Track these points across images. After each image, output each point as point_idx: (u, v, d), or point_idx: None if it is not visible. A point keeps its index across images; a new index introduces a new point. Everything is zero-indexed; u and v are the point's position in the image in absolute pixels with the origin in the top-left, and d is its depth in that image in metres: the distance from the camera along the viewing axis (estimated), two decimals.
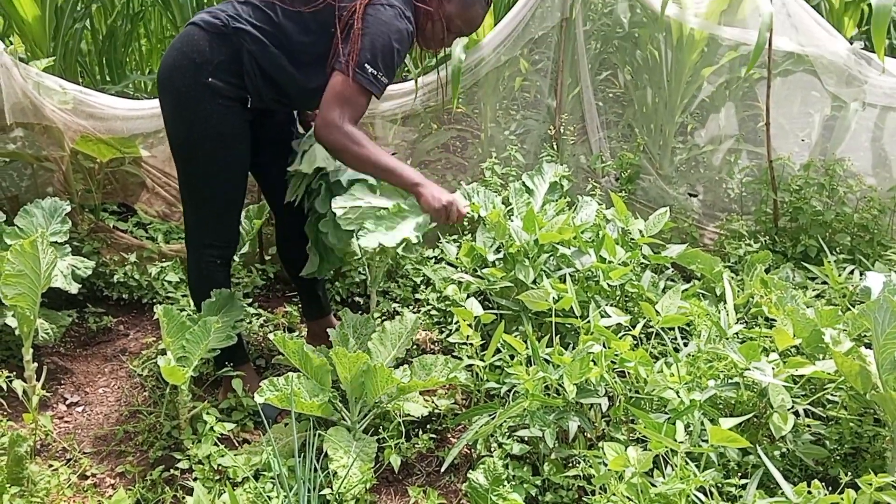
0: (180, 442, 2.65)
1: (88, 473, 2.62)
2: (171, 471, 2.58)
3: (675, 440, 2.10)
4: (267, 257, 3.76)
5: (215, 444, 2.58)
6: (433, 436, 2.71)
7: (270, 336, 2.58)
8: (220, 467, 2.51)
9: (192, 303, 3.40)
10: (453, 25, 2.65)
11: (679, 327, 2.95)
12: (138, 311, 3.60)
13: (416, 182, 2.59)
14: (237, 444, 2.65)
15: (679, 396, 2.41)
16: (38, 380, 2.67)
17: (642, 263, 3.30)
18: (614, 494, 2.04)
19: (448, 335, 3.08)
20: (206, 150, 2.61)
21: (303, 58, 2.55)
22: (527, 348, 2.56)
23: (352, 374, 2.42)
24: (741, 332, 2.81)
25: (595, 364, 2.44)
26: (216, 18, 2.53)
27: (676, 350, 2.80)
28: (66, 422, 2.91)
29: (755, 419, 2.52)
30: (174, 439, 2.69)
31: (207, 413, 2.63)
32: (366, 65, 2.44)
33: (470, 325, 2.76)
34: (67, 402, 3.01)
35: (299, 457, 2.36)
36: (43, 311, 3.11)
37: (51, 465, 2.58)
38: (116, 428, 2.81)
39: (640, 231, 3.31)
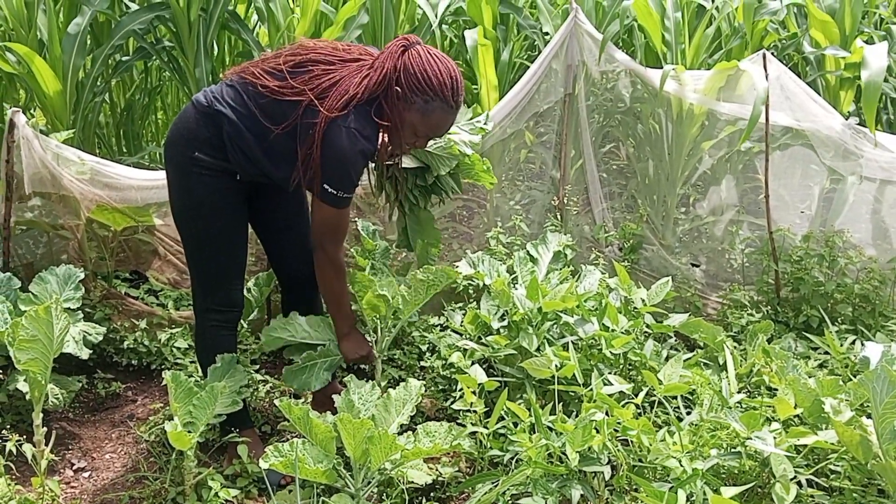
0: None
1: None
2: None
3: None
4: None
5: None
6: (436, 503, 2.71)
7: (276, 402, 2.61)
8: None
9: (199, 369, 3.46)
10: (419, 131, 2.70)
11: (682, 396, 2.97)
12: (147, 377, 3.63)
13: (349, 328, 2.97)
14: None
15: (682, 465, 2.43)
16: (46, 444, 2.71)
17: (645, 332, 3.34)
18: None
19: (452, 402, 3.10)
20: (198, 219, 2.78)
21: (273, 147, 2.68)
22: (530, 416, 2.58)
23: (356, 441, 2.45)
24: (743, 402, 2.83)
25: (598, 432, 2.46)
26: (204, 97, 2.71)
27: (679, 419, 2.81)
28: (72, 487, 2.92)
29: (758, 489, 2.53)
30: None
31: (212, 479, 2.64)
32: (326, 186, 2.62)
33: (474, 392, 2.79)
34: (74, 468, 3.03)
35: None
36: (54, 376, 3.15)
37: None
38: (122, 494, 2.83)
39: (643, 300, 3.35)
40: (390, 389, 2.79)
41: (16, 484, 2.67)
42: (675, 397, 2.95)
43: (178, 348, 3.55)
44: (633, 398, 2.74)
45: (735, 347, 3.39)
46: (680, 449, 2.50)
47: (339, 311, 2.91)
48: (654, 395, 2.81)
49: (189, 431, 2.62)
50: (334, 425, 2.49)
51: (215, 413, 2.71)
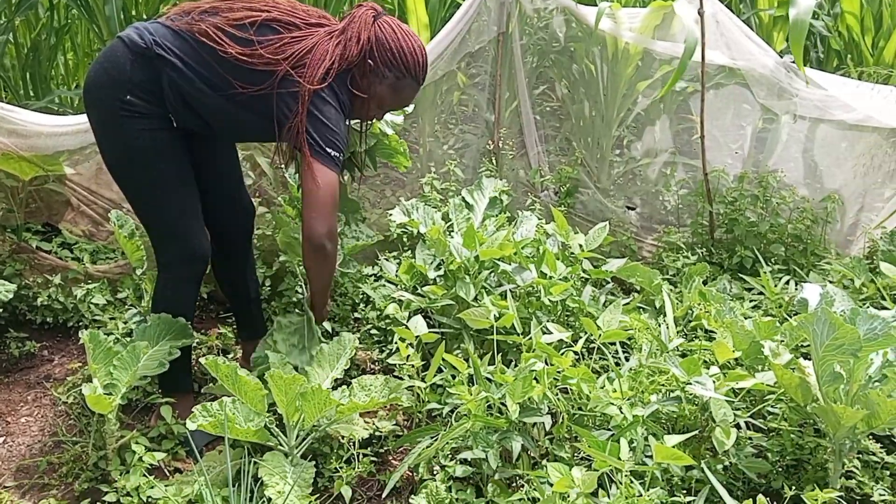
0: (108, 473, 2.53)
1: None
2: None
3: (619, 458, 2.08)
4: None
5: (145, 474, 2.46)
6: (374, 459, 2.64)
7: (202, 360, 2.47)
8: (149, 499, 2.40)
9: (119, 326, 3.28)
10: (385, 105, 2.64)
11: (621, 342, 2.94)
12: (63, 335, 3.44)
13: (321, 307, 2.80)
14: (168, 474, 2.54)
15: (622, 412, 2.40)
16: None
17: (583, 278, 3.29)
18: None
19: (389, 355, 3.01)
20: (136, 169, 2.55)
21: (230, 101, 2.49)
22: (468, 367, 2.51)
23: (288, 398, 2.34)
24: (682, 346, 2.81)
25: (537, 382, 2.41)
26: (141, 38, 2.45)
27: (618, 365, 2.79)
28: None
29: (698, 433, 2.52)
30: (101, 470, 2.56)
31: (136, 442, 2.51)
32: (329, 150, 2.46)
33: (411, 345, 2.70)
34: None
35: (234, 485, 2.26)
36: None
37: None
38: (40, 459, 2.67)
39: (581, 246, 3.30)
40: (323, 344, 2.68)
41: None
42: (615, 343, 2.92)
43: (96, 305, 3.36)
44: (572, 346, 2.69)
45: (671, 290, 3.37)
46: (620, 396, 2.46)
47: (325, 290, 2.75)
48: (594, 342, 2.77)
49: (109, 394, 2.48)
50: (264, 382, 2.38)
51: (139, 375, 2.56)
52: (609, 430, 2.42)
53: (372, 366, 3.12)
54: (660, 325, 2.89)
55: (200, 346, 3.28)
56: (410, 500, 2.13)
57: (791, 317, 3.02)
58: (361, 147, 2.94)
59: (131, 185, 2.63)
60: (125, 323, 3.19)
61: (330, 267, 2.60)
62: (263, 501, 2.26)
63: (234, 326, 3.25)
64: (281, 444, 2.48)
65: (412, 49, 2.54)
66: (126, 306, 3.38)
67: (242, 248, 2.94)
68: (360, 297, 3.44)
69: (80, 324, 3.37)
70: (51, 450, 2.75)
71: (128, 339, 2.72)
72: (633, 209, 4.13)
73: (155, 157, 2.53)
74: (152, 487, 2.35)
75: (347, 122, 2.59)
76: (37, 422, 2.92)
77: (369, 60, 2.52)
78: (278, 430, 2.50)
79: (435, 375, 2.63)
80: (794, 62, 3.60)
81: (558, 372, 2.50)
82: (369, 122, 2.90)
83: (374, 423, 2.67)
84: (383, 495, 2.45)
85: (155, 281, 2.77)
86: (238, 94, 2.46)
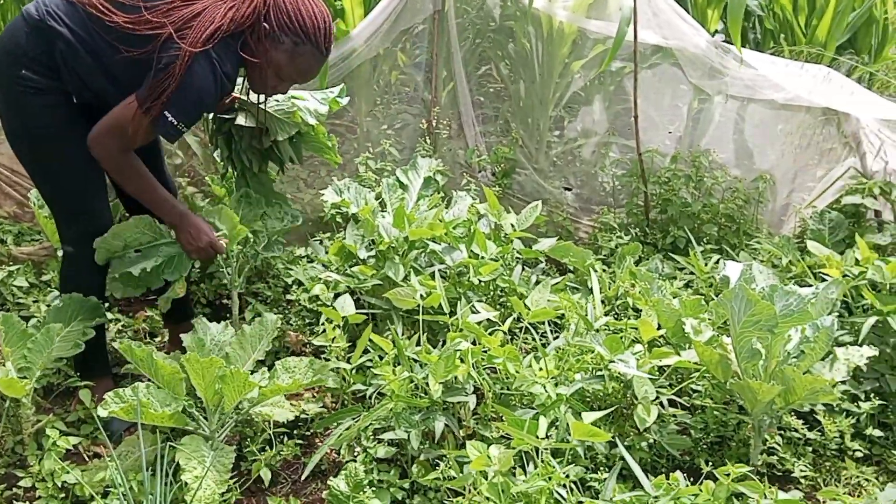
0: (24, 458, 2.46)
1: None
2: (14, 489, 2.39)
3: (538, 436, 2.08)
4: None
5: (62, 459, 2.41)
6: (300, 441, 2.61)
7: (115, 344, 2.41)
8: (64, 484, 2.34)
9: (42, 309, 3.20)
10: (283, 73, 2.50)
11: (550, 321, 2.95)
12: None
13: (178, 217, 2.59)
14: (88, 459, 2.48)
15: (546, 391, 2.40)
16: None
17: (516, 258, 3.29)
18: (477, 495, 2.00)
19: (320, 336, 2.97)
20: (36, 144, 2.48)
21: (115, 70, 2.42)
22: (394, 348, 2.49)
23: (206, 381, 2.29)
24: (609, 324, 2.83)
25: (462, 361, 2.40)
26: (36, 10, 2.38)
27: (545, 344, 2.79)
28: None
29: (623, 410, 2.53)
30: (18, 455, 2.50)
31: (52, 427, 2.45)
32: (168, 112, 2.36)
33: (338, 326, 2.67)
34: None
35: (150, 471, 2.22)
36: None
37: None
38: None
39: (513, 225, 3.29)
40: (245, 325, 2.64)
41: None
42: (544, 323, 2.93)
43: (19, 287, 3.27)
44: (500, 325, 2.69)
45: (604, 270, 3.39)
46: (545, 375, 2.47)
47: (156, 205, 2.57)
48: (522, 322, 2.77)
49: (24, 377, 2.41)
50: (182, 366, 2.33)
51: (54, 357, 2.50)
52: (534, 409, 2.42)
53: (302, 348, 3.09)
54: (588, 305, 2.90)
55: (126, 330, 3.22)
56: (329, 483, 2.10)
57: (718, 296, 3.06)
58: (261, 122, 2.81)
59: (31, 163, 2.56)
60: (48, 306, 3.10)
61: (124, 172, 2.48)
62: (179, 486, 2.22)
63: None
64: (202, 428, 2.44)
65: (312, 13, 2.42)
66: (50, 289, 3.30)
67: None
68: (293, 278, 3.40)
69: (4, 307, 3.28)
70: None
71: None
72: (569, 190, 4.14)
73: (55, 135, 2.46)
74: (67, 472, 2.29)
75: (228, 92, 2.52)
76: None
77: (265, 23, 2.40)
78: (199, 413, 2.45)
79: (362, 357, 2.60)
80: (725, 41, 3.62)
81: (485, 351, 2.50)
82: (268, 96, 2.75)
83: (300, 406, 2.64)
84: (303, 477, 2.43)
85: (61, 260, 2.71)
86: (120, 62, 2.38)
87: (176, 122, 2.38)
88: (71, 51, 2.38)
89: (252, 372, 2.50)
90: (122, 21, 2.34)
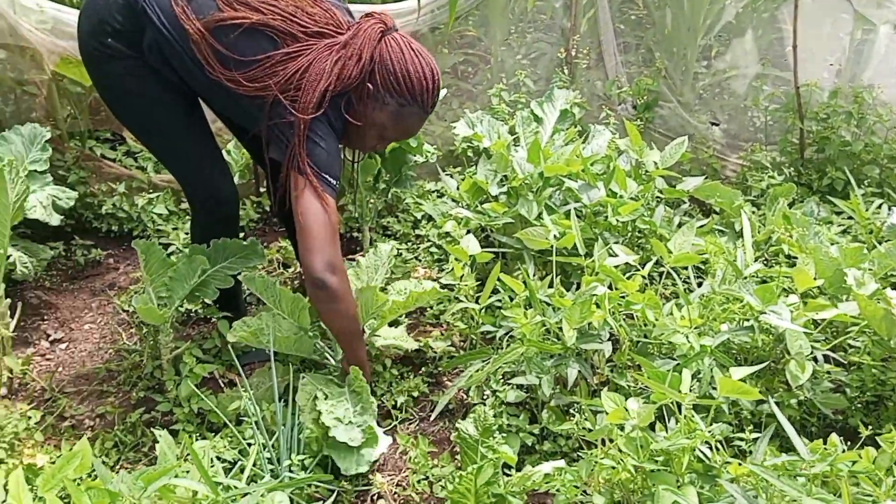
0: (162, 383, 2.53)
1: (67, 415, 2.51)
2: (152, 413, 2.47)
3: (681, 391, 1.94)
4: (262, 189, 3.58)
5: (198, 386, 2.46)
6: (428, 379, 2.57)
7: (240, 276, 2.40)
8: (201, 410, 2.39)
9: (181, 236, 3.27)
10: (387, 134, 2.33)
11: (693, 267, 2.77)
12: (128, 244, 3.43)
13: (360, 364, 2.33)
14: (223, 386, 2.53)
15: (689, 341, 2.24)
16: (11, 317, 2.55)
17: (657, 198, 3.10)
18: (612, 448, 1.89)
19: (448, 274, 2.91)
20: (133, 111, 2.41)
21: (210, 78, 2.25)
22: (525, 289, 2.39)
23: None
24: (759, 272, 2.62)
25: (598, 307, 2.27)
26: None
27: (688, 291, 2.62)
28: (47, 359, 2.79)
29: (771, 365, 2.35)
30: (157, 380, 2.57)
31: (189, 354, 2.50)
32: (327, 176, 2.19)
33: (467, 265, 2.59)
34: (50, 339, 2.89)
35: (282, 401, 2.23)
36: (23, 243, 2.98)
37: (30, 405, 2.48)
38: (99, 366, 2.70)
39: (655, 163, 3.10)
40: (359, 257, 2.59)
41: None
42: (686, 268, 2.75)
43: (159, 214, 3.36)
44: (639, 269, 2.53)
45: (753, 213, 3.16)
46: (688, 324, 2.31)
47: (352, 347, 2.34)
48: (663, 266, 2.60)
49: (163, 305, 2.46)
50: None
51: (193, 287, 2.53)
52: (674, 359, 2.28)
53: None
54: (737, 250, 2.70)
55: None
56: (457, 425, 2.04)
57: (882, 244, 2.78)
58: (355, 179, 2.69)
59: (134, 128, 2.50)
60: (186, 234, 3.17)
61: (342, 306, 2.21)
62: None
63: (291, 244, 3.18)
64: (328, 358, 2.43)
65: (420, 73, 2.19)
66: (189, 217, 3.36)
67: (234, 213, 2.82)
68: (423, 213, 3.34)
69: (145, 233, 3.37)
70: (111, 358, 2.77)
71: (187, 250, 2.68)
72: (717, 125, 3.88)
73: (146, 100, 2.36)
74: (202, 399, 2.33)
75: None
76: (99, 329, 2.94)
77: (369, 84, 2.20)
78: (324, 346, 2.44)
79: (491, 297, 2.51)
80: None
81: (622, 297, 2.36)
82: (363, 154, 2.60)
83: (428, 343, 2.59)
84: (432, 416, 2.39)
85: None
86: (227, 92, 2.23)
87: (332, 180, 2.20)
88: (162, 39, 2.24)
89: None
90: (225, 78, 2.19)
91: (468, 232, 2.77)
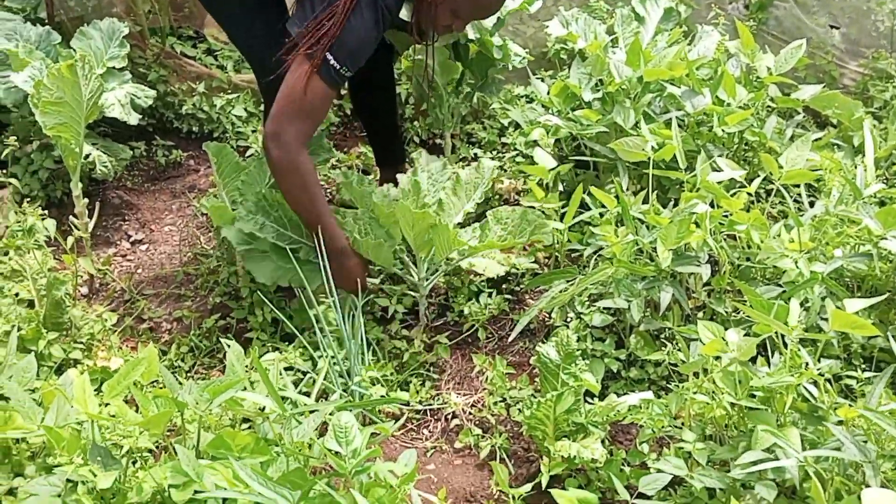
0: (238, 289, 2.48)
1: (145, 317, 2.50)
2: (227, 319, 2.43)
3: (787, 322, 1.75)
4: (343, 92, 3.44)
5: (273, 292, 2.40)
6: (508, 297, 2.44)
7: (335, 174, 2.27)
8: (274, 319, 2.34)
9: (259, 139, 3.18)
10: (462, 11, 2.15)
11: (806, 185, 2.52)
12: None
13: (337, 252, 2.21)
14: (297, 293, 2.45)
15: (798, 267, 2.04)
16: (90, 216, 2.53)
17: (768, 107, 2.83)
18: (706, 382, 1.73)
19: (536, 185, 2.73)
20: None
21: None
22: (618, 205, 2.20)
23: (416, 231, 2.14)
24: (880, 193, 2.37)
25: (697, 226, 2.07)
26: None
27: (800, 212, 2.38)
28: (128, 260, 2.79)
29: (890, 296, 2.12)
30: (232, 286, 2.53)
31: None
32: (330, 57, 2.03)
33: (543, 184, 2.41)
34: (131, 239, 2.88)
35: (352, 312, 2.14)
36: (103, 143, 2.94)
37: (109, 306, 2.48)
38: (178, 269, 2.67)
39: (768, 68, 2.80)
40: (460, 171, 2.43)
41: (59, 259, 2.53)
42: (798, 186, 2.50)
43: (238, 116, 3.27)
44: (745, 186, 2.30)
45: (875, 126, 2.86)
46: (797, 248, 2.09)
47: (316, 226, 2.19)
48: (772, 183, 2.36)
49: (235, 209, 2.38)
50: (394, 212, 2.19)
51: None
52: (780, 286, 2.08)
53: (516, 196, 2.87)
54: (856, 167, 2.43)
55: (340, 165, 3.14)
56: (538, 349, 1.91)
57: None
58: (431, 62, 2.50)
59: (219, 19, 2.48)
60: None
61: (284, 183, 2.15)
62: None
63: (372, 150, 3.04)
64: (410, 275, 2.32)
65: None
66: None
67: (384, 74, 2.68)
68: (510, 120, 3.15)
69: (225, 135, 3.30)
70: (189, 261, 2.74)
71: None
72: (836, 28, 3.51)
73: None
74: (275, 309, 2.26)
75: (382, 33, 2.13)
76: (178, 232, 2.91)
77: None
78: (408, 259, 2.33)
79: (579, 214, 2.34)
80: None
81: (725, 216, 2.15)
82: (436, 36, 2.41)
83: (510, 259, 2.45)
84: (511, 336, 2.27)
85: None
86: None
87: (339, 67, 2.06)
88: None
89: (461, 225, 2.33)
90: None
91: (556, 141, 2.57)
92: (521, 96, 3.24)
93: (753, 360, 1.78)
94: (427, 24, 2.24)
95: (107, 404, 1.68)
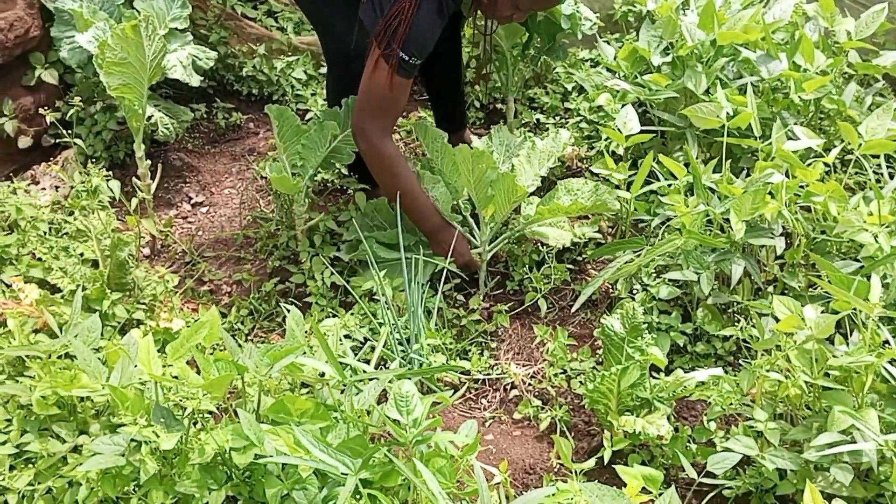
0: (297, 254, 2.47)
1: (206, 279, 2.51)
2: (286, 283, 2.42)
3: (868, 299, 1.67)
4: None
5: (333, 258, 2.39)
6: (570, 266, 2.39)
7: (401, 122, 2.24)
8: (333, 284, 2.32)
9: (319, 102, 3.16)
10: (523, 3, 2.14)
11: (886, 155, 2.40)
12: None
13: (434, 230, 2.30)
14: (355, 262, 2.43)
15: (877, 242, 1.94)
16: (152, 179, 2.53)
17: (846, 74, 2.69)
18: (780, 359, 1.66)
19: (599, 153, 2.66)
20: None
21: None
22: (688, 174, 2.12)
23: (475, 177, 2.10)
24: None
25: (773, 197, 1.99)
26: None
27: (879, 183, 2.27)
28: (189, 222, 2.80)
29: None
30: (291, 251, 2.52)
31: (324, 226, 2.42)
32: (403, 54, 2.07)
33: (616, 155, 2.33)
34: (192, 202, 2.89)
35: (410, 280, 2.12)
36: (165, 104, 2.94)
37: (170, 268, 2.50)
38: (237, 233, 2.67)
39: (848, 32, 2.67)
40: (536, 139, 2.38)
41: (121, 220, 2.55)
42: (878, 156, 2.38)
43: (298, 79, 3.25)
44: (822, 156, 2.20)
45: None
46: (877, 221, 1.99)
47: (412, 209, 2.29)
48: (851, 153, 2.25)
49: (296, 174, 2.36)
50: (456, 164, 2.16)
51: (326, 154, 2.42)
52: (857, 261, 1.99)
53: (579, 164, 2.80)
54: None
55: (399, 130, 3.10)
56: (602, 320, 1.86)
57: None
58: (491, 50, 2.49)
59: None
60: (325, 101, 3.04)
61: (374, 168, 2.25)
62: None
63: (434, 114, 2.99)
64: (473, 237, 2.28)
65: None
66: None
67: (450, 39, 2.63)
68: (574, 84, 3.06)
69: (284, 98, 3.28)
70: (249, 224, 2.74)
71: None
72: None
73: None
74: (334, 275, 2.25)
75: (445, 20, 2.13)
76: (238, 194, 2.91)
77: None
78: (472, 220, 2.29)
79: (647, 183, 2.26)
80: None
81: (801, 187, 2.06)
82: (496, 25, 2.40)
83: (573, 228, 2.39)
84: (574, 307, 2.22)
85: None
86: None
87: (409, 59, 2.08)
88: None
89: (530, 194, 2.27)
90: None
91: (622, 107, 2.49)
92: (586, 60, 3.15)
93: (830, 338, 1.71)
94: (488, 14, 2.26)
95: (170, 366, 1.68)
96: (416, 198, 2.26)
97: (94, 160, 2.83)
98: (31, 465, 1.60)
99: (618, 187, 2.30)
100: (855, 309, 1.66)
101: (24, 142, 2.82)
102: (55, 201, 2.56)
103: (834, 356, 1.61)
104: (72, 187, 2.48)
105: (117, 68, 2.29)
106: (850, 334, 1.79)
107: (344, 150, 2.39)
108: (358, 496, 1.43)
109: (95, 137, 2.88)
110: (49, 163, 2.76)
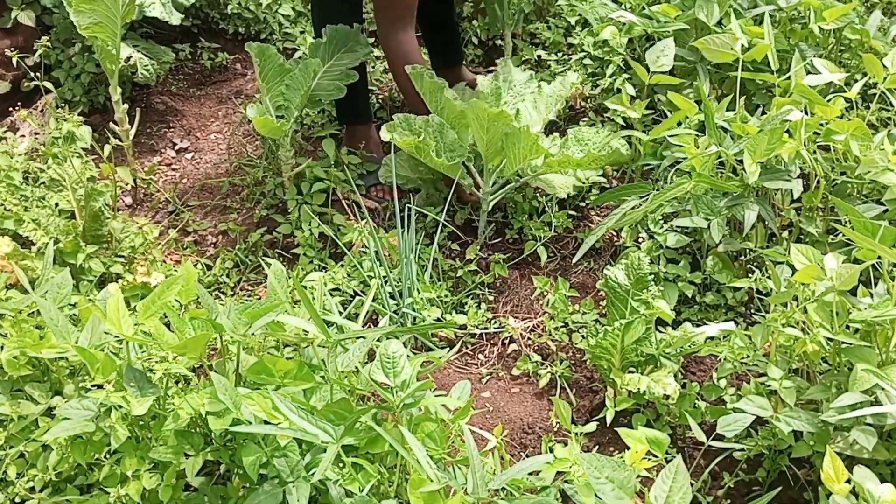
0: (285, 202, 2.34)
1: (190, 229, 2.39)
2: (274, 234, 2.30)
3: (894, 247, 1.54)
4: None
5: (321, 205, 2.26)
6: (573, 213, 2.26)
7: (407, 68, 2.10)
8: (321, 234, 2.20)
9: (308, 41, 2.99)
10: None
11: None
12: None
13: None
14: (347, 208, 2.31)
15: None
16: (131, 123, 2.40)
17: (870, 1, 2.52)
18: (798, 312, 1.54)
19: (603, 92, 2.50)
20: None
21: None
22: (699, 112, 1.97)
23: (489, 136, 1.96)
24: None
25: (790, 136, 1.84)
26: None
27: None
28: (173, 169, 2.67)
29: None
30: (279, 198, 2.39)
31: (310, 172, 2.29)
32: None
33: (635, 95, 2.18)
34: (176, 148, 2.76)
35: (403, 229, 1.99)
36: (146, 44, 2.79)
37: (153, 217, 2.38)
38: (223, 180, 2.55)
39: None
40: (543, 83, 2.23)
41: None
42: None
43: (286, 16, 3.08)
44: (844, 91, 2.04)
45: None
46: None
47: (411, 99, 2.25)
48: (875, 88, 2.09)
49: (281, 117, 2.22)
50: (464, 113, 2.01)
51: (315, 98, 2.28)
52: (881, 204, 1.85)
53: (583, 104, 2.64)
54: None
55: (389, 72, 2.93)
56: (605, 272, 1.74)
57: None
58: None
59: None
60: (315, 38, 2.88)
61: (394, 63, 2.23)
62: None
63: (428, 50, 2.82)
64: (475, 190, 2.15)
65: None
66: None
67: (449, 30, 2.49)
68: (577, 18, 2.88)
69: (272, 37, 3.12)
70: (235, 171, 2.61)
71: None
72: None
73: None
74: (322, 226, 2.13)
75: None
76: (225, 140, 2.78)
77: None
78: (475, 169, 2.15)
79: (654, 122, 2.12)
80: None
81: (821, 124, 1.91)
82: None
83: (575, 173, 2.25)
84: (576, 257, 2.09)
85: None
86: None
87: None
88: None
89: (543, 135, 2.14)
90: None
91: (629, 41, 2.33)
92: None
93: (852, 290, 1.58)
94: None
95: (143, 325, 1.57)
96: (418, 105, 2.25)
97: (72, 105, 2.69)
98: (2, 428, 1.51)
99: (628, 126, 2.15)
100: (879, 257, 1.53)
101: (2, 87, 2.68)
102: (33, 149, 2.43)
103: (857, 309, 1.48)
104: (49, 134, 2.35)
105: (87, 5, 2.13)
106: (874, 285, 1.65)
107: (326, 85, 2.25)
108: (341, 464, 1.33)
109: (74, 81, 2.74)
110: (27, 109, 2.63)
